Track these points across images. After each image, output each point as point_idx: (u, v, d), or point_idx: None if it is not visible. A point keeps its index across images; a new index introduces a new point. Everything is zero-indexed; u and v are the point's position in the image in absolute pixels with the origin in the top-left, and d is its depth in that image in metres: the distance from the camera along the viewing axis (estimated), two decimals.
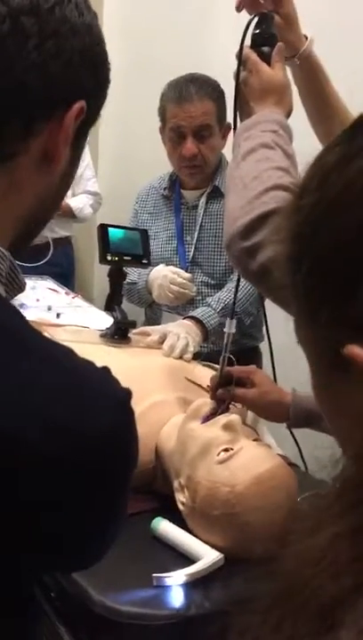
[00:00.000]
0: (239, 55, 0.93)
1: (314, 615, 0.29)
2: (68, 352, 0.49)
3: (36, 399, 0.45)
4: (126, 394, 0.49)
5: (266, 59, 0.92)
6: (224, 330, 1.06)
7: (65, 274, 2.66)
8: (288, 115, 0.92)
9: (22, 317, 0.50)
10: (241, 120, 0.94)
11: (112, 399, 0.48)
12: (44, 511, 0.45)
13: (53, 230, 2.63)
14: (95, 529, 0.50)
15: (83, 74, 0.52)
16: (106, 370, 0.50)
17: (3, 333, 0.47)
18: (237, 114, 0.94)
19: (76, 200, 2.78)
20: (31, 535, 0.46)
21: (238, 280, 1.04)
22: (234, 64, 0.94)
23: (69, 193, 2.74)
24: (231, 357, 1.07)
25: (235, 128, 0.95)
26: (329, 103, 1.01)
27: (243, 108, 0.93)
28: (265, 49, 0.93)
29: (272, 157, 0.81)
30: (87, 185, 2.82)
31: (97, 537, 0.51)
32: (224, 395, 1.08)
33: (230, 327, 1.05)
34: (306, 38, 0.98)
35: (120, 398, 0.49)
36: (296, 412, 1.05)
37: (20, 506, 0.45)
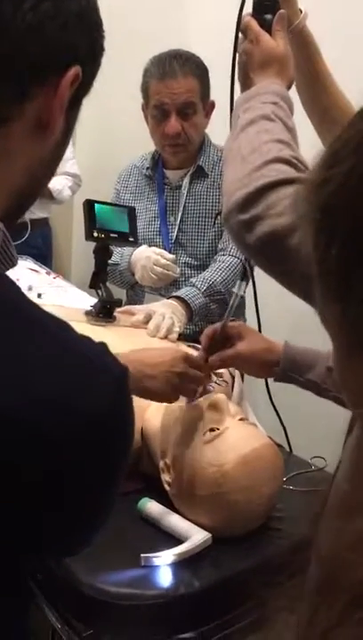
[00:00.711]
0: (238, 23, 0.90)
1: (354, 600, 0.28)
2: (65, 326, 0.48)
3: (32, 373, 0.44)
4: (124, 370, 0.48)
5: (267, 27, 0.89)
6: (233, 290, 1.05)
7: (43, 255, 2.63)
8: (289, 86, 0.90)
9: (16, 287, 0.48)
10: (241, 91, 0.91)
11: (111, 375, 0.47)
12: (39, 489, 0.45)
13: (31, 211, 2.58)
14: (89, 508, 0.49)
15: (79, 38, 0.51)
16: (104, 345, 0.49)
17: (1, 308, 0.46)
18: (236, 85, 0.91)
19: (55, 182, 2.73)
20: (25, 513, 0.45)
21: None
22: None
23: None
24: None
25: (232, 99, 0.93)
26: (320, 80, 0.99)
27: (242, 80, 0.91)
28: (267, 17, 0.90)
29: (272, 130, 0.79)
30: (66, 166, 2.76)
31: (90, 517, 0.50)
32: (215, 360, 1.07)
33: (240, 289, 1.05)
34: (301, 12, 0.96)
35: (118, 374, 0.48)
36: (286, 360, 1.04)
37: (14, 484, 0.44)
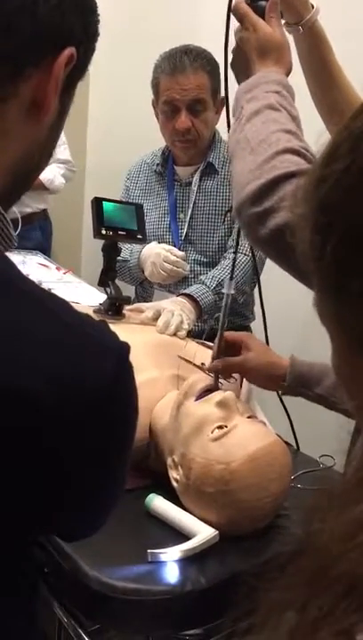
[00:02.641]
0: (228, 10, 0.88)
1: (348, 590, 0.28)
2: (65, 303, 0.49)
3: (33, 350, 0.44)
4: (125, 347, 0.49)
5: (261, 13, 0.88)
6: (223, 291, 1.05)
7: (43, 248, 2.58)
8: (288, 73, 0.89)
9: (15, 267, 0.49)
10: (238, 81, 0.90)
11: (111, 351, 0.48)
12: (43, 464, 0.45)
13: (27, 204, 2.55)
14: (94, 487, 0.49)
15: (72, 19, 0.52)
16: (104, 323, 0.50)
17: (1, 286, 0.46)
18: (231, 77, 0.90)
19: (46, 171, 2.65)
20: (30, 487, 0.45)
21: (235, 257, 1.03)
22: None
23: None
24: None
25: (226, 88, 0.93)
26: (332, 74, 0.98)
27: (240, 68, 0.90)
28: (262, 3, 0.89)
29: (279, 119, 0.78)
30: (56, 153, 2.75)
31: (96, 497, 0.50)
32: (218, 364, 1.07)
33: (229, 288, 1.04)
34: (312, 7, 0.95)
35: (119, 350, 0.48)
36: (293, 376, 1.04)
37: (18, 458, 0.44)
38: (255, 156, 0.75)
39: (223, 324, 1.07)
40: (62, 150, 2.66)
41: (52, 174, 2.66)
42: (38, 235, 2.68)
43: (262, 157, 0.74)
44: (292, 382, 1.04)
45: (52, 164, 2.68)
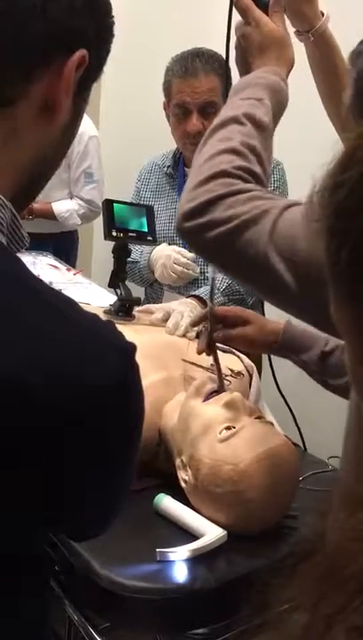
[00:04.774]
0: (230, 4, 0.88)
1: (361, 588, 0.29)
2: (70, 301, 0.48)
3: (37, 346, 0.44)
4: (131, 346, 0.48)
5: (264, 8, 0.87)
6: (208, 274, 1.09)
7: (67, 256, 2.51)
8: (289, 69, 0.88)
9: (24, 265, 0.49)
10: (240, 75, 0.90)
11: (116, 349, 0.47)
12: (43, 461, 0.44)
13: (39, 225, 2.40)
14: (98, 486, 0.48)
15: (85, 21, 0.52)
16: (110, 322, 0.49)
17: (4, 280, 0.46)
18: (233, 73, 0.91)
19: (62, 205, 2.46)
20: (30, 486, 0.45)
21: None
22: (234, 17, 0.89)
23: (65, 193, 2.52)
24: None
25: (227, 86, 0.93)
26: (341, 80, 0.99)
27: (242, 64, 0.89)
28: None
29: (234, 137, 0.79)
30: (82, 190, 2.48)
31: (101, 496, 0.50)
32: (218, 337, 1.08)
33: (214, 272, 1.08)
34: (322, 15, 0.95)
35: (124, 349, 0.47)
36: (284, 339, 1.06)
37: (20, 454, 0.44)
38: (198, 175, 0.78)
39: (212, 301, 1.10)
40: (89, 190, 2.49)
41: (66, 211, 2.48)
42: (68, 245, 2.58)
43: (200, 178, 0.77)
44: (282, 343, 1.06)
45: (75, 199, 2.50)
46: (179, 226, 0.79)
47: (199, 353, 1.11)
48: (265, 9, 0.88)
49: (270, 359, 1.25)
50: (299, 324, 1.03)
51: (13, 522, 0.46)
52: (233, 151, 0.78)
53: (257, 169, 0.77)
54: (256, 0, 0.88)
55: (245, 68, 0.88)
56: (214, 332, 1.08)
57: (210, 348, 1.09)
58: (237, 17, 0.90)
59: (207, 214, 0.74)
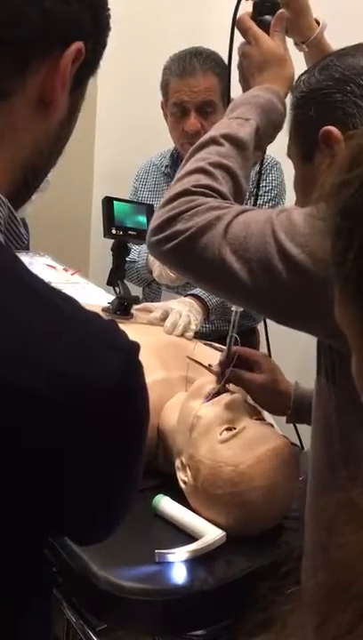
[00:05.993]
0: (233, 22, 0.89)
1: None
2: (71, 300, 0.47)
3: (38, 346, 0.43)
4: (134, 345, 0.47)
5: (265, 28, 0.89)
6: (232, 308, 1.05)
7: None
8: (287, 89, 0.89)
9: (22, 263, 0.48)
10: (243, 92, 0.92)
11: (119, 349, 0.46)
12: (45, 463, 0.43)
13: None
14: (100, 488, 0.48)
15: (81, 13, 0.51)
16: (112, 321, 0.49)
17: (3, 279, 0.45)
18: (236, 89, 0.93)
19: None
20: (30, 488, 0.44)
21: None
22: (237, 36, 0.91)
23: None
24: (236, 337, 1.06)
25: (228, 101, 0.95)
26: None
27: (244, 82, 0.91)
28: (267, 18, 0.89)
29: (209, 157, 0.83)
30: None
31: (104, 499, 0.49)
32: (229, 375, 1.07)
33: (237, 307, 1.04)
34: (318, 23, 0.95)
35: (128, 348, 0.47)
36: (297, 406, 1.05)
37: (20, 456, 0.43)
38: (168, 194, 0.84)
39: (231, 339, 1.07)
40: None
41: None
42: None
43: (168, 197, 0.83)
44: (296, 413, 1.05)
45: None
46: (147, 241, 0.86)
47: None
48: (267, 28, 0.89)
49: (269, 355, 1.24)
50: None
51: (12, 527, 0.45)
52: (202, 171, 0.83)
53: (223, 188, 0.83)
54: (258, 20, 0.89)
55: (246, 86, 0.90)
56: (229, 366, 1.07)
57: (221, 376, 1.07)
58: (239, 38, 0.92)
59: (170, 228, 0.81)
